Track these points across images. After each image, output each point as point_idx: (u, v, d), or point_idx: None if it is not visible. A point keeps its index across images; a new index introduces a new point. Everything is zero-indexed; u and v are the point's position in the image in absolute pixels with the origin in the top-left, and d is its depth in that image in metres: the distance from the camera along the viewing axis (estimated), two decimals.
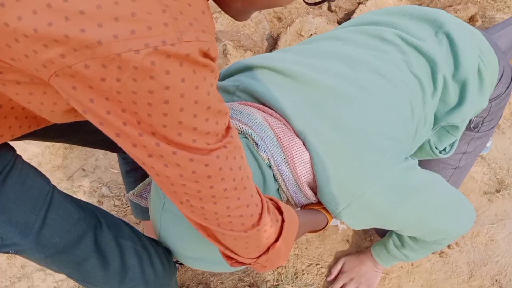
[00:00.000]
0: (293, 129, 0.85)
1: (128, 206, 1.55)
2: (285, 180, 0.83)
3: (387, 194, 0.84)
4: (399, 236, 1.12)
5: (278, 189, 0.85)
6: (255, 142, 0.81)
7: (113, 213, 1.53)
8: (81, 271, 0.77)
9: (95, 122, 0.48)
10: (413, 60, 0.95)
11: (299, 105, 0.85)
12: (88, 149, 1.77)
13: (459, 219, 0.98)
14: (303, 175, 0.83)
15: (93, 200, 1.58)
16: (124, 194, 1.58)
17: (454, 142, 1.05)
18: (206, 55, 0.47)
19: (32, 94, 0.52)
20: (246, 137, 0.82)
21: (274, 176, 0.83)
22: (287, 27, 1.84)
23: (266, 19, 2.10)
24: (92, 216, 0.80)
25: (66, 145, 1.80)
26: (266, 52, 2.01)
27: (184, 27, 0.43)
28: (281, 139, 0.81)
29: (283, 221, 0.70)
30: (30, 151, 1.80)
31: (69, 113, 0.58)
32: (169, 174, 0.51)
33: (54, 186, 0.78)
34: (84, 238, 0.76)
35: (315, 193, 0.87)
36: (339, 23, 2.03)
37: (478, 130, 1.12)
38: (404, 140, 0.88)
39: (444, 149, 1.06)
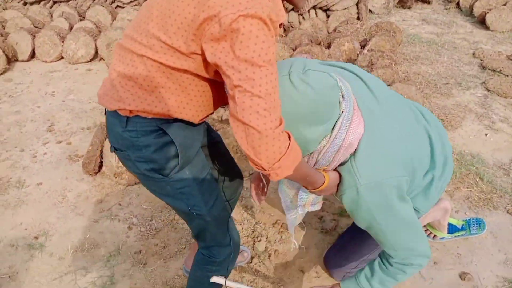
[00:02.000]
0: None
1: (150, 232, 2.07)
2: (339, 131, 1.11)
3: (393, 194, 1.14)
4: (371, 266, 1.33)
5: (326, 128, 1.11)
6: (343, 96, 1.13)
7: (139, 237, 2.05)
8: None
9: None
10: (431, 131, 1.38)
11: (371, 103, 1.22)
12: (125, 189, 2.35)
13: (419, 244, 1.25)
14: (351, 136, 1.12)
15: (124, 227, 2.11)
16: (148, 222, 2.11)
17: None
18: (271, 20, 0.92)
19: None
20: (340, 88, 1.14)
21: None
22: None
23: None
24: None
25: (110, 183, 2.38)
26: None
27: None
28: (355, 107, 1.15)
29: (290, 140, 0.98)
30: (81, 187, 2.39)
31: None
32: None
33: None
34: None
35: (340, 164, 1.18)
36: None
37: None
38: (417, 176, 1.27)
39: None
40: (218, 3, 0.92)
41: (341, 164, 1.19)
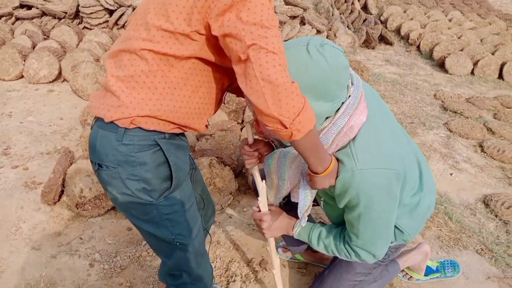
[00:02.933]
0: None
1: (115, 270, 1.91)
2: (338, 121, 1.13)
3: (384, 187, 1.17)
4: (330, 231, 1.41)
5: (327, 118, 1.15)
6: (352, 82, 1.16)
7: (102, 275, 1.89)
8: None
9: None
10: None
11: (375, 106, 1.27)
12: (87, 221, 2.18)
13: (381, 245, 1.31)
14: (353, 120, 1.14)
15: (85, 263, 1.94)
16: (113, 258, 1.96)
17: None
18: None
19: None
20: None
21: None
22: None
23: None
24: None
25: (70, 215, 2.21)
26: (239, 170, 2.61)
27: None
28: (362, 97, 1.17)
29: (305, 99, 0.99)
30: (37, 218, 2.19)
31: None
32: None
33: None
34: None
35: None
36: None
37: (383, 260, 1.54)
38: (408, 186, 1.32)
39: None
40: None
41: (339, 150, 1.21)
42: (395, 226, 1.37)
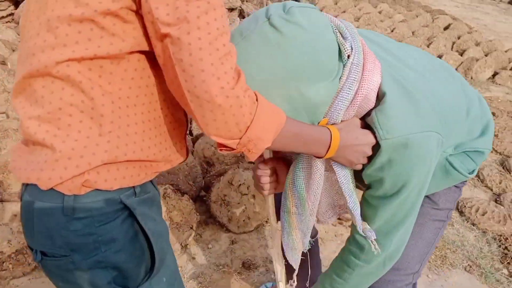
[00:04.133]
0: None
1: None
2: (349, 80, 0.83)
3: (417, 161, 0.85)
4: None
5: (334, 79, 0.84)
6: (342, 35, 0.85)
7: None
8: None
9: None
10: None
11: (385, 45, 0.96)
12: (9, 284, 1.66)
13: (400, 242, 0.99)
14: (366, 87, 0.84)
15: None
16: None
17: (474, 170, 1.06)
18: None
19: None
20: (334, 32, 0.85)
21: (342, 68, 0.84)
22: (220, 176, 2.11)
23: (199, 163, 2.36)
24: None
25: None
26: (197, 194, 2.22)
27: None
28: (365, 48, 0.87)
29: (257, 100, 0.72)
30: None
31: None
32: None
33: None
34: None
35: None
36: None
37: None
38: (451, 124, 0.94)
39: (472, 171, 1.06)
40: None
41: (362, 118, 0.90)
42: (476, 151, 1.04)
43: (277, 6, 0.83)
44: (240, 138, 0.72)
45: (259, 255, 1.99)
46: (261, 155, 1.04)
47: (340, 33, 0.85)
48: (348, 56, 0.84)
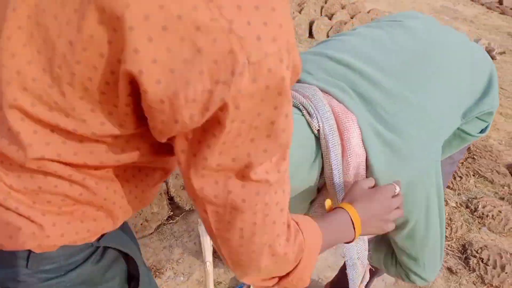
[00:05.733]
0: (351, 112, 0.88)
1: None
2: (330, 148, 0.83)
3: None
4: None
5: (315, 159, 0.86)
6: (308, 112, 0.85)
7: None
8: None
9: None
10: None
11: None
12: None
13: (436, 259, 1.03)
14: (352, 146, 0.84)
15: None
16: None
17: (487, 127, 1.10)
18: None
19: None
20: (300, 109, 0.85)
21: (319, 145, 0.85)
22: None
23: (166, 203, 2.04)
24: None
25: None
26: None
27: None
28: (335, 111, 0.85)
29: (303, 246, 0.68)
30: None
31: None
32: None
33: None
34: None
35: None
36: None
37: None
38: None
39: (482, 131, 1.10)
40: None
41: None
42: (485, 113, 1.07)
43: None
44: (280, 279, 0.69)
45: (164, 258, 1.83)
46: None
47: (306, 110, 0.85)
48: (318, 131, 0.84)
